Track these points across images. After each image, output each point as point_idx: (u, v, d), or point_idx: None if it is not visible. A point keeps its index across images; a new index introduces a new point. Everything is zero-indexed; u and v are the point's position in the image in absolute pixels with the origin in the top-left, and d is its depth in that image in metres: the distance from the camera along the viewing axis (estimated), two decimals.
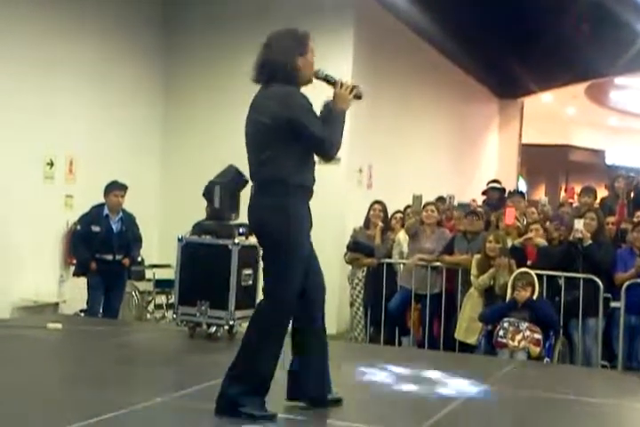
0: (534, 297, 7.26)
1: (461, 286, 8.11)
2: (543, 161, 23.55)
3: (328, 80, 4.40)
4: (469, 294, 7.92)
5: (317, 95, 4.34)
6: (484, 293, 7.77)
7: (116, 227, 8.37)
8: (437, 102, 14.04)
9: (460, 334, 7.90)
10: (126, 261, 8.40)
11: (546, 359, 7.10)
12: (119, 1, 10.49)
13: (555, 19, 11.92)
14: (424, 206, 8.59)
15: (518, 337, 7.01)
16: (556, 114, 22.33)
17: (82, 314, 8.53)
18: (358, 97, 4.41)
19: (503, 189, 11.31)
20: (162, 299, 9.95)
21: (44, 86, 9.29)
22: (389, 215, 9.08)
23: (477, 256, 7.92)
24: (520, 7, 11.38)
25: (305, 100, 4.26)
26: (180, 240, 7.13)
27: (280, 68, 4.28)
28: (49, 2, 9.43)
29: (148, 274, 9.99)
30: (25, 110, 9.02)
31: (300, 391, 4.47)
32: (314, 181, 4.39)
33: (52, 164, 9.45)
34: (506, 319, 7.12)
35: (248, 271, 6.99)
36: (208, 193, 7.17)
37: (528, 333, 7.02)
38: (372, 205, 8.96)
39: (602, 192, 10.49)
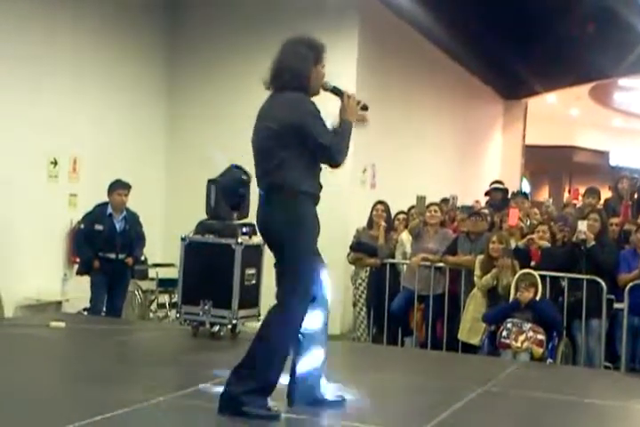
0: (537, 298, 7.26)
1: (464, 287, 8.10)
2: (547, 162, 23.57)
3: (335, 92, 4.41)
4: (472, 295, 7.92)
5: (322, 105, 4.34)
6: (487, 293, 7.76)
7: (119, 226, 8.37)
8: (441, 103, 14.03)
9: (462, 335, 7.89)
10: (129, 260, 8.41)
11: (549, 360, 7.10)
12: (123, 2, 10.50)
13: (559, 20, 11.92)
14: (427, 207, 8.61)
15: (521, 338, 7.00)
16: (561, 115, 22.31)
17: (85, 313, 8.53)
18: (365, 108, 4.43)
19: (506, 190, 11.31)
20: (165, 298, 9.94)
21: (47, 85, 9.29)
22: (393, 216, 9.09)
23: (480, 257, 7.92)
24: (524, 8, 11.39)
25: (313, 107, 4.26)
26: (183, 239, 7.12)
27: (295, 76, 4.27)
28: (52, 0, 9.44)
29: (152, 273, 9.99)
30: (29, 109, 9.02)
31: (300, 392, 4.45)
32: (320, 187, 4.38)
33: (55, 163, 9.45)
34: (509, 320, 7.12)
35: (251, 271, 6.98)
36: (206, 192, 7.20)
37: (531, 333, 7.01)
38: (374, 206, 8.96)
39: (606, 193, 10.47)
